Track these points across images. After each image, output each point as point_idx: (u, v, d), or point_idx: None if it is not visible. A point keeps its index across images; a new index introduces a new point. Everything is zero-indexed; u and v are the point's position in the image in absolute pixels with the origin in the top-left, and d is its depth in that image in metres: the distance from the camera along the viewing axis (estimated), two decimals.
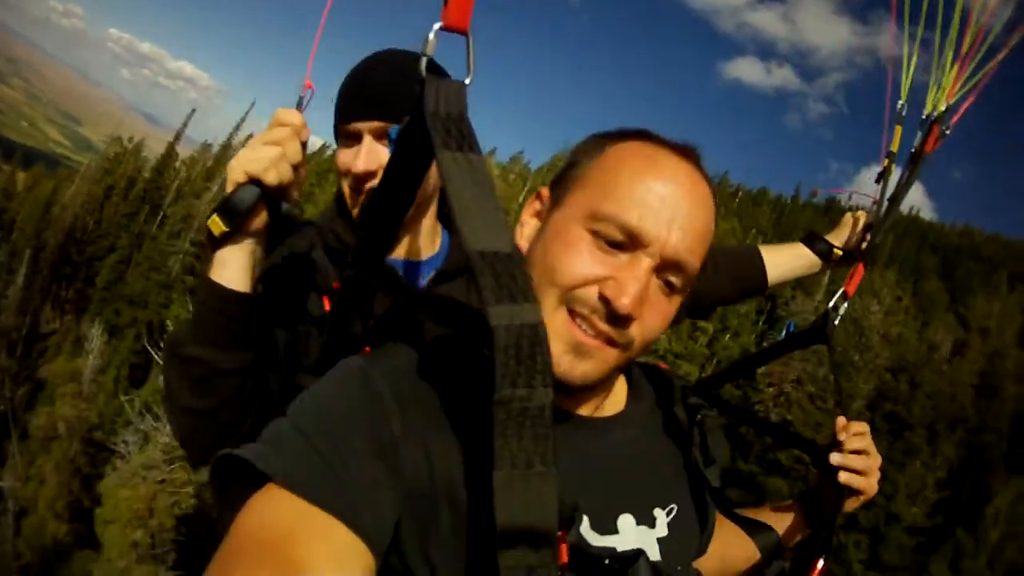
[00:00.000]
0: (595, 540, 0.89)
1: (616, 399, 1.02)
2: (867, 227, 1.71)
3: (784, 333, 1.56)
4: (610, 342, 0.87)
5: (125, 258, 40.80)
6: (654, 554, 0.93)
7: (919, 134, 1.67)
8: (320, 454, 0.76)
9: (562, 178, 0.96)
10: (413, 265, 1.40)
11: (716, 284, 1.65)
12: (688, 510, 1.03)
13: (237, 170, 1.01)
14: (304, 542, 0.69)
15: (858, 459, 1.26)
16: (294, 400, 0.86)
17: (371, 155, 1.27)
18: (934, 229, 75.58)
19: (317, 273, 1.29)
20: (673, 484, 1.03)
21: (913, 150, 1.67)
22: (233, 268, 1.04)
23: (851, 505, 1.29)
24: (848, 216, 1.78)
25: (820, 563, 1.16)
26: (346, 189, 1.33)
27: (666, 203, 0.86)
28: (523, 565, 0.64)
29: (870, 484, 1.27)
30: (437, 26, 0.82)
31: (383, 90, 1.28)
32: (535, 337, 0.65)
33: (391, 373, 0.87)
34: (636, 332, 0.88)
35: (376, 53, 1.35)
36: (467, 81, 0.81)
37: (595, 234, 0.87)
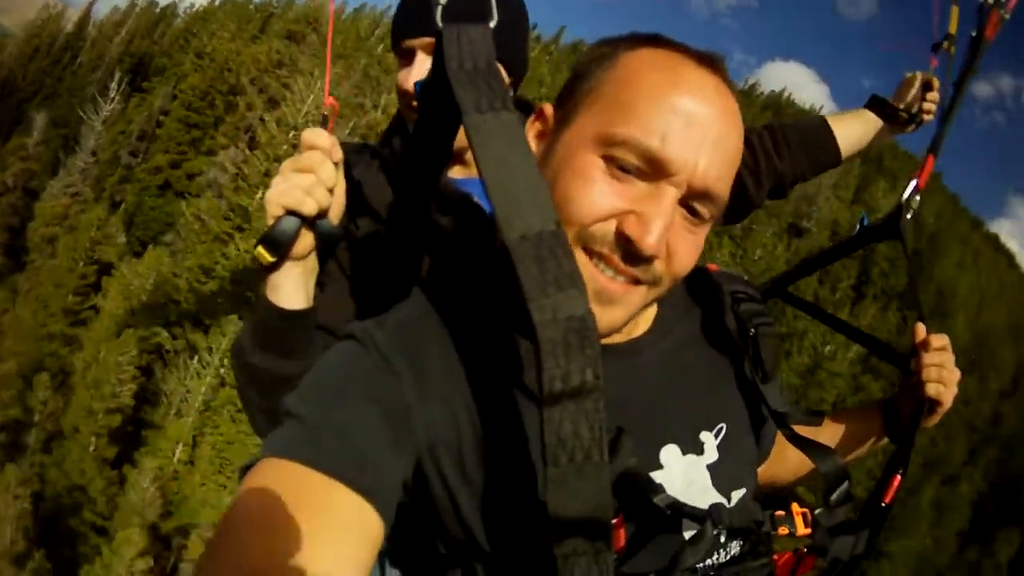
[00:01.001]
0: None
1: (646, 314, 0.92)
2: (926, 85, 1.65)
3: (858, 227, 1.54)
4: (635, 282, 0.79)
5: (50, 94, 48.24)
6: (705, 484, 0.87)
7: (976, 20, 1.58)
8: (316, 421, 0.74)
9: (569, 92, 0.85)
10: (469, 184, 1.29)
11: (793, 161, 1.56)
12: (741, 427, 0.95)
13: (274, 203, 0.98)
14: (302, 507, 0.66)
15: (937, 371, 1.24)
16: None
17: (421, 72, 1.20)
18: None
19: (371, 194, 1.25)
20: (720, 401, 0.94)
21: (973, 35, 1.58)
22: (286, 290, 1.04)
23: (930, 419, 1.27)
24: (908, 76, 1.69)
25: (898, 477, 1.14)
26: (403, 108, 1.30)
27: (693, 124, 0.75)
28: (579, 553, 0.62)
29: (948, 397, 1.24)
30: None
31: (434, 5, 1.16)
32: (583, 329, 0.61)
33: (400, 328, 0.83)
34: (663, 268, 0.79)
35: None
36: (491, 24, 0.76)
37: (610, 160, 0.76)
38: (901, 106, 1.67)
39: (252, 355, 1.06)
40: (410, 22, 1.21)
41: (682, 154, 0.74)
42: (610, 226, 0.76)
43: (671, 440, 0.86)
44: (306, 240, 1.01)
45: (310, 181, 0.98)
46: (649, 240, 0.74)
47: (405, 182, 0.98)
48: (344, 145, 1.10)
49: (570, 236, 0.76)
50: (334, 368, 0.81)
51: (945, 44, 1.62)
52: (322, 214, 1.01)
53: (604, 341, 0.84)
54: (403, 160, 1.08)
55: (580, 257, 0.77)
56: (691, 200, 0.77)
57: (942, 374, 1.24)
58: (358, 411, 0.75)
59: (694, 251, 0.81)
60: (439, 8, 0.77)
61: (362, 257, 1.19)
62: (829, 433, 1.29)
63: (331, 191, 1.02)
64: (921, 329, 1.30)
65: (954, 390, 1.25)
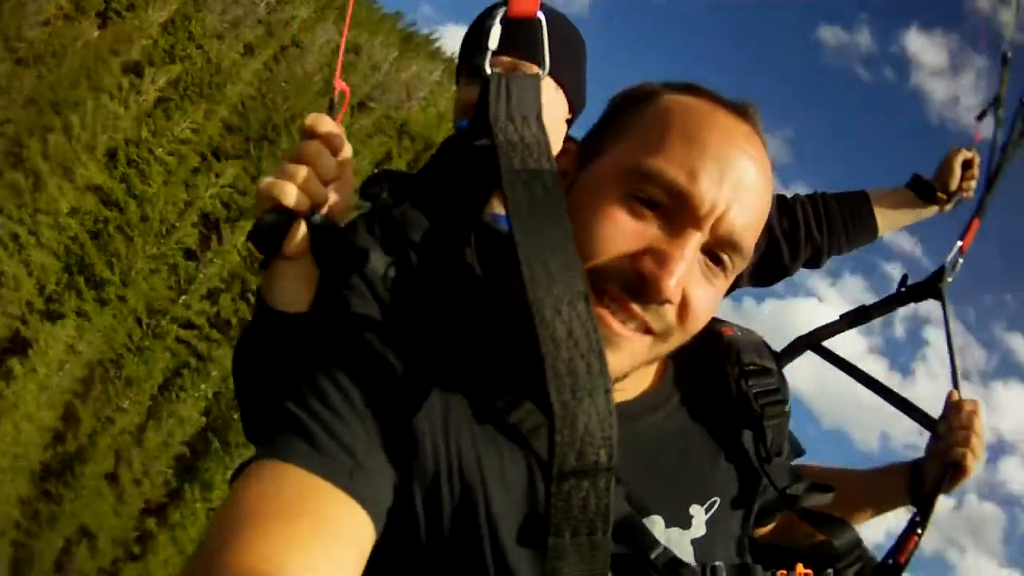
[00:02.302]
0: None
1: (642, 376, 0.87)
2: (966, 164, 1.64)
3: (898, 286, 1.54)
4: (646, 330, 0.74)
5: None
6: (687, 557, 0.82)
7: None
8: (313, 425, 0.71)
9: (598, 130, 0.83)
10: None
11: (831, 235, 1.57)
12: (736, 502, 0.90)
13: (263, 195, 0.91)
14: (295, 509, 0.65)
15: (965, 435, 1.23)
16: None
17: None
18: None
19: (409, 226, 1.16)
20: (717, 475, 0.89)
21: (1022, 99, 1.61)
22: (279, 290, 0.98)
23: (952, 484, 1.25)
24: (949, 154, 1.67)
25: (916, 537, 1.15)
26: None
27: (723, 167, 0.72)
28: None
29: (972, 463, 1.23)
30: (501, 13, 0.74)
31: (516, 24, 1.16)
32: (605, 440, 0.58)
33: (416, 352, 0.79)
34: (677, 318, 0.74)
35: None
36: (543, 73, 0.73)
37: (633, 196, 0.73)
38: (939, 188, 1.66)
39: (245, 356, 1.03)
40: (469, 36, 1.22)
41: (710, 194, 0.71)
42: (627, 263, 0.72)
43: (656, 511, 0.83)
44: (298, 241, 0.92)
45: (304, 174, 0.90)
46: (668, 281, 0.69)
47: (444, 216, 0.95)
48: (392, 174, 1.10)
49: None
50: (339, 375, 0.77)
51: (992, 108, 1.63)
52: (316, 209, 0.93)
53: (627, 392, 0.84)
54: (444, 193, 1.07)
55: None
56: (715, 247, 0.74)
57: (970, 439, 1.23)
58: (359, 419, 0.73)
59: (711, 304, 0.76)
60: (488, 54, 0.72)
61: (395, 287, 1.14)
62: (855, 489, 1.25)
63: (330, 184, 0.94)
64: (954, 393, 1.30)
65: (981, 456, 1.23)
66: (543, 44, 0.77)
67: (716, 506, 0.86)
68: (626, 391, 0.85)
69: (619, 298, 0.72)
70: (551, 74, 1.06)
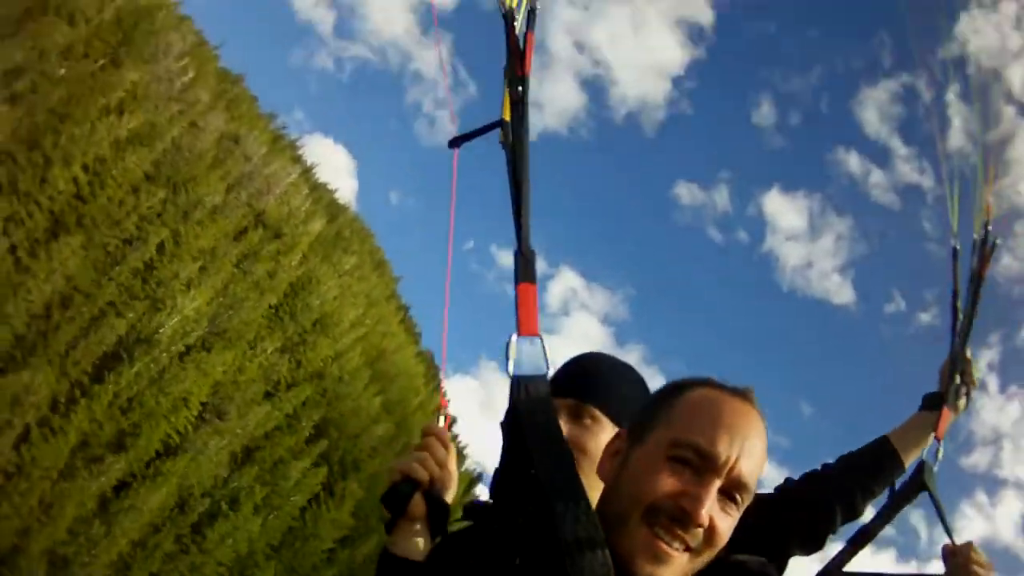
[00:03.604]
0: None
1: None
2: (954, 363, 1.80)
3: (887, 495, 1.66)
4: (686, 548, 1.01)
5: None
6: None
7: (973, 258, 1.76)
8: None
9: (644, 419, 1.13)
10: None
11: (861, 487, 1.67)
12: None
13: (395, 468, 1.28)
14: None
15: (967, 570, 1.43)
16: None
17: (565, 426, 1.43)
18: None
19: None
20: None
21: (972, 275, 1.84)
22: (400, 543, 1.26)
23: None
24: (944, 364, 1.83)
25: None
26: None
27: (733, 434, 1.04)
28: None
29: None
30: (514, 337, 1.06)
31: (578, 373, 1.55)
32: None
33: None
34: (705, 539, 1.02)
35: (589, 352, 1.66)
36: (549, 374, 1.06)
37: (673, 459, 1.03)
38: (950, 394, 1.79)
39: None
40: (560, 382, 1.51)
41: (725, 451, 1.03)
42: (671, 501, 1.00)
43: None
44: (419, 506, 1.27)
45: (423, 456, 1.28)
46: (701, 511, 0.99)
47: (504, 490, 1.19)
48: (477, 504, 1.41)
49: (639, 513, 1.01)
50: None
51: (951, 301, 1.80)
52: (433, 484, 1.27)
53: None
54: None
55: (645, 530, 1.00)
56: (729, 487, 1.03)
57: (973, 570, 1.44)
58: None
59: (729, 528, 1.05)
60: (510, 363, 1.05)
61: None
62: None
63: (442, 467, 1.29)
64: (948, 545, 1.50)
65: None
66: (546, 354, 1.09)
67: None
68: None
69: (667, 526, 1.00)
70: (614, 419, 1.51)
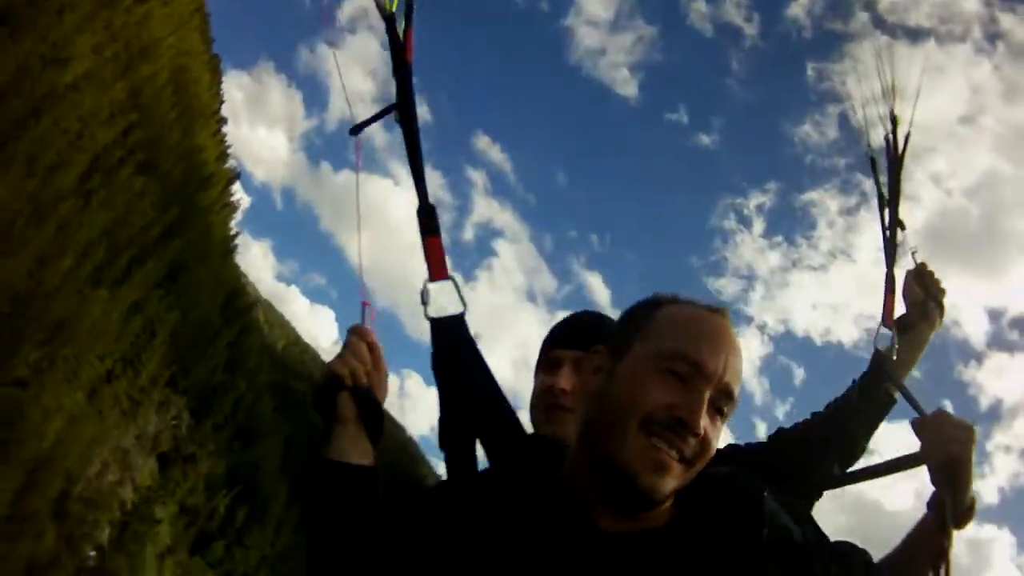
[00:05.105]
0: None
1: (657, 511, 1.07)
2: (918, 276, 1.83)
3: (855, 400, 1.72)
4: (681, 458, 1.03)
5: None
6: None
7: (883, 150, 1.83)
8: None
9: (620, 337, 1.15)
10: None
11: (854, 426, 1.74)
12: None
13: (324, 375, 1.28)
14: None
15: (945, 433, 1.37)
16: None
17: (568, 381, 1.48)
18: None
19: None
20: None
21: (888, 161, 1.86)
22: (336, 447, 1.24)
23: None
24: (906, 279, 1.87)
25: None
26: (541, 410, 1.52)
27: (717, 344, 1.07)
28: None
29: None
30: (426, 281, 1.24)
31: (581, 325, 1.57)
32: None
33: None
34: (699, 448, 1.04)
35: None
36: (464, 312, 1.27)
37: (663, 370, 1.05)
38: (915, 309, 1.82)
39: (311, 505, 1.26)
40: (566, 335, 1.54)
41: (713, 360, 1.05)
42: (667, 413, 1.02)
43: None
44: (348, 404, 1.24)
45: (346, 355, 1.26)
46: (698, 419, 1.01)
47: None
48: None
49: (636, 423, 1.02)
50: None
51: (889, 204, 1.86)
52: (361, 383, 1.25)
53: (606, 529, 1.04)
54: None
55: (643, 439, 1.02)
56: (717, 398, 1.05)
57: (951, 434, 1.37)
58: None
59: (717, 439, 1.07)
60: (425, 308, 1.28)
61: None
62: (904, 557, 1.36)
63: (367, 365, 1.27)
64: (918, 420, 1.45)
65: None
66: (460, 293, 1.29)
67: None
68: (636, 522, 1.06)
69: (664, 436, 1.02)
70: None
